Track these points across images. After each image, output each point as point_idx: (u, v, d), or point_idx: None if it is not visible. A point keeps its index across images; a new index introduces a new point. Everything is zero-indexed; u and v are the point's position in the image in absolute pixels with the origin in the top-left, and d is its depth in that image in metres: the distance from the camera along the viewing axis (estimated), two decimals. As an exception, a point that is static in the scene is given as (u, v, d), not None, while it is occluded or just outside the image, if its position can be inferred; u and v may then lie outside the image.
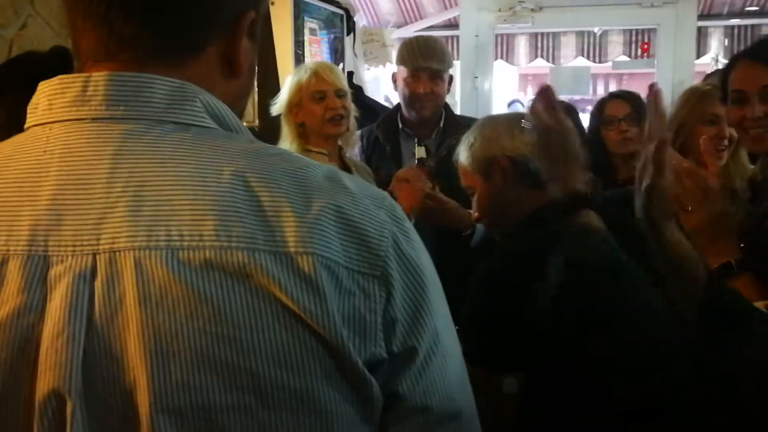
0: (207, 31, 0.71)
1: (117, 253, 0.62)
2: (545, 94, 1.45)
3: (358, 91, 3.76)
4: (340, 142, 2.39)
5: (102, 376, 0.61)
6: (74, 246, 0.63)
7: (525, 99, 9.08)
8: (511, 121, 1.69)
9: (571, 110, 2.99)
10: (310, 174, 0.68)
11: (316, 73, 2.31)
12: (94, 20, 0.69)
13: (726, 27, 5.63)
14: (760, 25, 5.66)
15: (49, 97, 0.69)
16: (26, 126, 0.71)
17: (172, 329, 0.60)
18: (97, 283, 0.62)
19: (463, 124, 2.71)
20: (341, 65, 3.44)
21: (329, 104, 2.28)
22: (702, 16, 5.20)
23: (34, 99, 0.71)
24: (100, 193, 0.64)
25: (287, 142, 2.30)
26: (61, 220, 0.63)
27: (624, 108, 2.77)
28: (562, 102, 3.11)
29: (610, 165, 2.75)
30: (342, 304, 0.64)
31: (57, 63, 1.41)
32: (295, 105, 2.29)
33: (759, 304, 1.20)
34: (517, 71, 9.91)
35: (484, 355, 1.54)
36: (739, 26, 5.68)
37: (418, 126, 2.71)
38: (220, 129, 0.70)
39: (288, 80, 2.33)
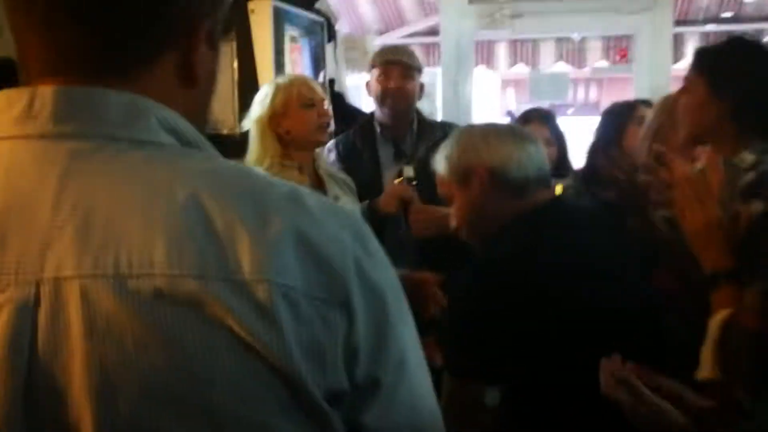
0: (161, 41, 0.67)
1: (62, 282, 0.58)
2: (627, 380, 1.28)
3: (339, 98, 3.78)
4: (314, 154, 2.39)
5: (44, 413, 0.57)
6: (17, 273, 0.59)
7: (512, 106, 9.16)
8: (488, 130, 1.71)
9: (548, 117, 3.02)
10: (268, 193, 0.65)
11: (304, 83, 2.32)
12: (39, 31, 0.65)
13: (702, 33, 5.71)
14: (734, 32, 5.73)
15: None
16: None
17: (119, 362, 0.57)
18: (41, 314, 0.58)
19: (436, 127, 2.77)
20: (323, 72, 3.45)
21: (320, 111, 2.29)
22: (678, 23, 5.27)
23: None
24: (45, 217, 0.60)
25: (259, 155, 2.27)
26: (4, 245, 0.59)
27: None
28: (539, 110, 3.15)
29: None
30: (300, 334, 0.60)
31: (1, 75, 1.36)
32: (280, 114, 2.27)
33: (721, 314, 1.23)
34: (498, 76, 9.95)
35: (465, 367, 1.55)
36: (715, 33, 5.77)
37: (393, 129, 2.75)
38: (178, 144, 0.67)
39: (265, 92, 2.31)
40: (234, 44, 2.85)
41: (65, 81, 0.65)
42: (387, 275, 0.68)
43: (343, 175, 2.51)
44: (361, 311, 0.63)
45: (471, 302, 1.54)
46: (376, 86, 2.73)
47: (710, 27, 5.73)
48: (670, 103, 2.43)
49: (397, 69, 2.69)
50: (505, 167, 1.63)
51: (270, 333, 0.59)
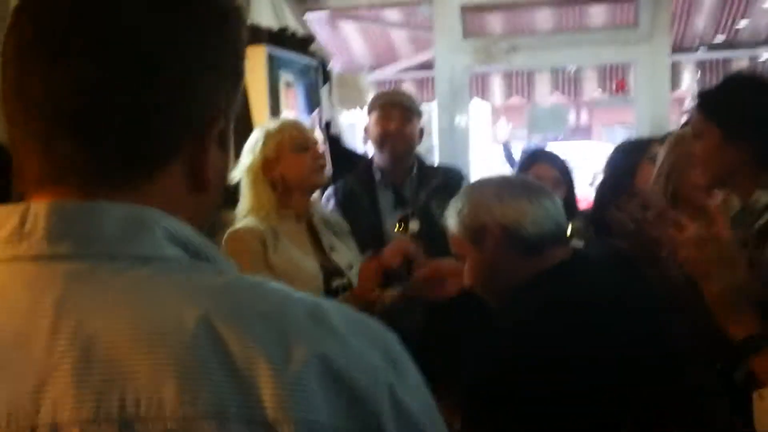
0: (169, 147, 0.62)
1: (60, 429, 0.52)
2: None
3: (336, 141, 3.71)
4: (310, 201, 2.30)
5: None
6: (8, 420, 0.52)
7: (505, 135, 9.12)
8: (502, 185, 1.62)
9: (555, 157, 2.92)
10: (289, 314, 0.58)
11: (295, 126, 2.24)
12: (36, 140, 0.60)
13: (697, 60, 5.70)
14: (731, 58, 5.73)
15: None
16: None
17: None
18: None
19: (438, 172, 2.70)
20: (319, 115, 3.38)
21: (314, 154, 2.21)
22: (674, 50, 5.24)
23: None
24: (40, 351, 0.54)
25: (253, 205, 2.19)
26: None
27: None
28: (545, 151, 3.08)
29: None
30: None
31: None
32: (273, 160, 2.18)
33: None
34: (490, 105, 9.96)
35: (486, 427, 1.47)
36: (710, 60, 5.75)
37: (393, 174, 2.68)
38: (186, 257, 0.61)
39: (255, 139, 2.22)
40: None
41: (62, 193, 0.60)
42: (422, 399, 0.61)
43: (338, 219, 2.42)
44: None
45: (491, 368, 1.46)
46: (375, 129, 2.67)
47: (706, 54, 5.72)
48: (680, 141, 2.36)
49: (396, 111, 2.64)
50: (519, 225, 1.55)
51: None
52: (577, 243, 2.51)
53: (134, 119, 0.59)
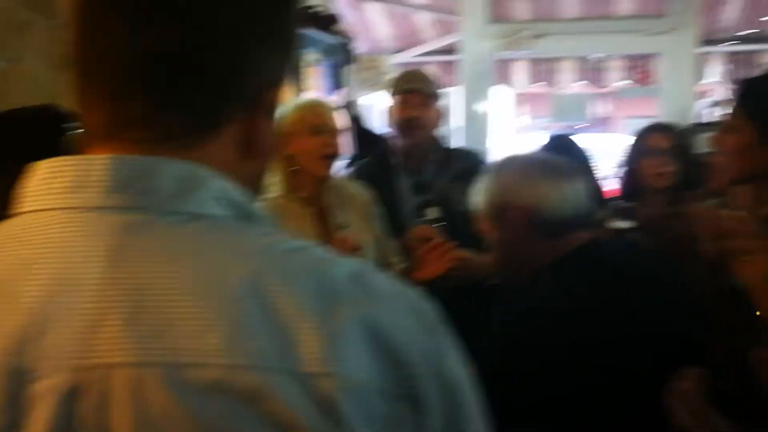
0: (225, 110, 0.64)
1: (108, 370, 0.54)
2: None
3: (358, 120, 3.71)
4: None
5: None
6: (59, 359, 0.54)
7: (528, 122, 9.05)
8: (528, 165, 1.63)
9: (569, 144, 2.93)
10: (333, 275, 0.59)
11: (313, 107, 2.22)
12: (103, 95, 0.62)
13: (725, 52, 5.61)
14: (759, 50, 5.64)
15: (43, 180, 0.62)
16: (16, 211, 0.63)
17: None
18: (86, 404, 0.54)
19: (458, 156, 2.69)
20: (342, 94, 3.38)
21: (326, 140, 2.17)
22: (701, 42, 5.18)
23: (27, 180, 0.63)
24: (92, 298, 0.56)
25: (271, 182, 2.20)
26: (47, 327, 0.55)
27: (664, 141, 2.66)
28: (561, 136, 3.06)
29: (644, 200, 2.66)
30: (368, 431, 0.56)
31: (47, 126, 1.29)
32: (287, 134, 2.17)
33: None
34: (514, 91, 9.89)
35: (498, 412, 1.47)
36: (738, 51, 5.66)
37: (412, 159, 2.68)
38: (234, 217, 0.63)
39: (278, 111, 2.22)
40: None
41: (121, 148, 0.62)
42: (460, 370, 0.63)
43: (364, 197, 2.39)
44: (433, 407, 0.59)
45: (508, 354, 1.46)
46: (395, 115, 2.67)
47: (733, 46, 5.63)
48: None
49: (417, 97, 2.62)
50: (541, 207, 1.55)
51: (335, 431, 0.54)
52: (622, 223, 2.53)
53: (201, 84, 0.62)
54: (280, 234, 0.64)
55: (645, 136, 2.70)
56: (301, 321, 0.55)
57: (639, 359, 1.40)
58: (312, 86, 3.06)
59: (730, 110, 1.70)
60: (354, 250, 2.15)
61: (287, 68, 0.69)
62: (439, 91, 2.72)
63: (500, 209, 1.60)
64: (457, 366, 0.62)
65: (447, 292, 2.30)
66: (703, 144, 2.75)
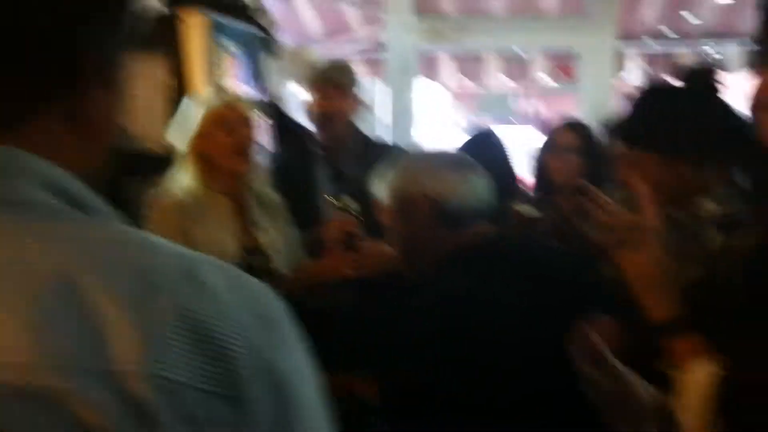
0: (46, 89, 0.59)
1: None
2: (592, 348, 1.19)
3: (279, 112, 3.66)
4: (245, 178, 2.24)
5: None
6: None
7: (462, 120, 9.10)
8: (432, 158, 1.63)
9: (491, 138, 2.95)
10: (159, 268, 0.55)
11: (223, 101, 2.13)
12: None
13: (643, 52, 5.78)
14: (675, 50, 5.83)
15: None
16: None
17: None
18: None
19: (377, 148, 2.67)
20: (262, 87, 3.32)
21: (237, 135, 2.10)
22: (620, 40, 5.31)
23: None
24: None
25: (183, 175, 2.14)
26: None
27: (572, 139, 2.65)
28: (486, 132, 3.08)
29: (555, 196, 2.68)
30: None
31: None
32: (197, 134, 2.11)
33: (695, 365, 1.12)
34: (448, 90, 9.93)
35: (408, 404, 1.47)
36: (657, 51, 5.84)
37: (331, 150, 2.66)
38: (58, 204, 0.58)
39: (188, 106, 2.16)
40: (163, 56, 2.70)
41: None
42: (296, 365, 0.59)
43: (274, 197, 2.36)
44: (259, 408, 0.55)
45: (408, 345, 1.46)
46: (312, 107, 2.64)
47: (652, 45, 5.80)
48: None
49: (334, 89, 2.60)
50: (446, 198, 1.55)
51: None
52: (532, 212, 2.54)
53: (10, 55, 0.57)
54: (116, 224, 0.60)
55: (554, 133, 2.73)
56: (115, 317, 0.51)
57: (537, 349, 1.41)
58: (230, 77, 2.99)
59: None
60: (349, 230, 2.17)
61: (123, 40, 0.63)
62: (358, 82, 2.70)
63: (403, 201, 1.59)
64: (294, 364, 0.59)
65: (363, 285, 2.32)
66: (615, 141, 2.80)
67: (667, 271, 1.26)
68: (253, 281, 0.61)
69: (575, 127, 2.72)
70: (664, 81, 1.70)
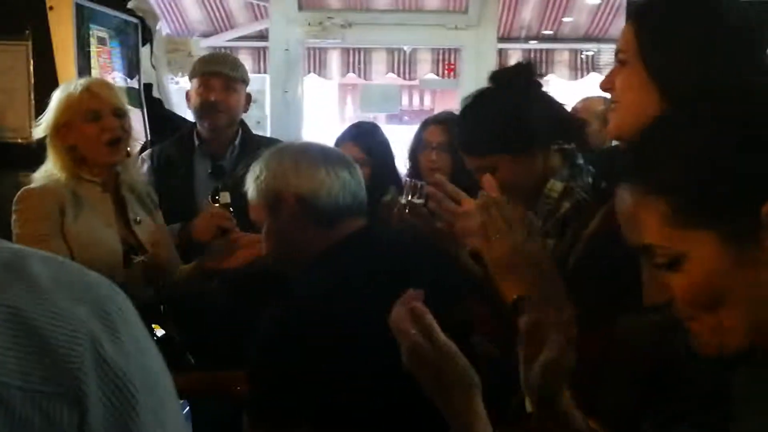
0: None
1: None
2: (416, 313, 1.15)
3: (157, 103, 3.55)
4: (118, 168, 2.16)
5: None
6: None
7: (350, 114, 9.10)
8: (300, 153, 1.60)
9: (376, 130, 2.96)
10: None
11: (89, 90, 2.04)
12: None
13: (524, 50, 5.98)
14: (553, 50, 6.07)
15: None
16: None
17: None
18: None
19: (261, 143, 2.64)
20: (137, 77, 3.21)
21: (105, 124, 2.02)
22: (502, 39, 5.47)
23: None
24: None
25: (55, 168, 2.05)
26: None
27: (439, 135, 2.66)
28: (361, 123, 3.08)
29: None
30: None
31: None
32: (63, 125, 2.01)
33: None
34: (335, 84, 9.93)
35: (271, 406, 1.45)
36: (536, 50, 6.06)
37: (213, 143, 2.61)
38: None
39: (54, 97, 2.07)
40: (30, 44, 2.57)
41: None
42: (137, 360, 0.57)
43: (148, 190, 2.30)
44: (96, 407, 0.53)
45: (272, 343, 1.43)
46: (195, 98, 2.57)
47: (532, 44, 6.01)
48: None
49: (218, 81, 2.55)
50: (314, 195, 1.53)
51: None
52: None
53: None
54: None
55: (423, 128, 2.73)
56: None
57: (388, 360, 1.41)
58: (102, 66, 2.87)
59: None
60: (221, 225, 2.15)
61: None
62: (243, 74, 2.65)
63: (273, 197, 1.56)
64: (134, 357, 0.57)
65: (236, 281, 2.29)
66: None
67: (523, 254, 1.31)
68: (88, 273, 0.59)
69: (443, 122, 2.71)
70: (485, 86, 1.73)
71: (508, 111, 1.64)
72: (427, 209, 1.66)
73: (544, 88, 1.77)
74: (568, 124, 1.74)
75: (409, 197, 1.90)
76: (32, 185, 2.02)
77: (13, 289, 0.52)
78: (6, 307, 0.51)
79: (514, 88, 1.67)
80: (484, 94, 1.70)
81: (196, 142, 2.62)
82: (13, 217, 1.99)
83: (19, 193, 2.01)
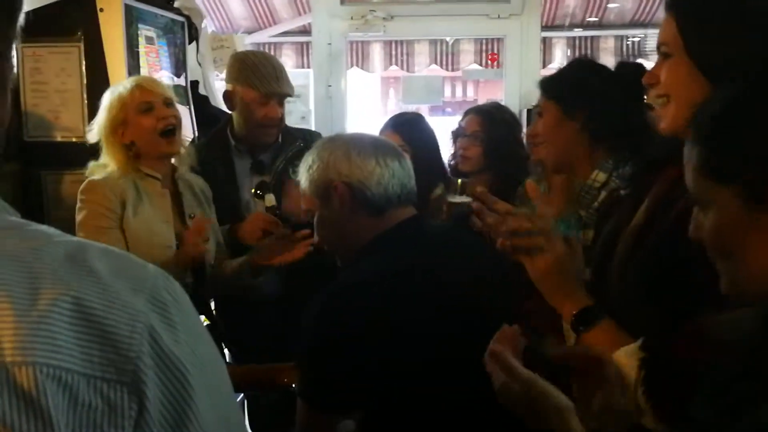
0: None
1: None
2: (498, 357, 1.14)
3: (204, 101, 3.59)
4: (174, 161, 2.22)
5: None
6: None
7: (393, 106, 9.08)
8: (351, 143, 1.62)
9: (419, 120, 2.97)
10: (45, 256, 0.55)
11: (139, 85, 2.12)
12: None
13: (568, 38, 5.90)
14: (598, 37, 5.97)
15: None
16: None
17: None
18: None
19: (297, 136, 2.65)
20: (183, 75, 3.26)
21: (159, 114, 2.09)
22: (546, 27, 5.40)
23: None
24: None
25: (113, 166, 2.10)
26: None
27: (475, 125, 2.69)
28: (405, 115, 3.08)
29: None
30: (78, 424, 0.51)
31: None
32: (120, 123, 2.08)
33: (619, 353, 1.14)
34: (378, 77, 9.93)
35: (318, 397, 1.47)
36: (580, 37, 5.97)
37: (251, 141, 2.60)
38: None
39: (105, 99, 2.14)
40: (81, 45, 2.62)
41: None
42: (192, 348, 0.59)
43: (203, 186, 2.36)
44: (154, 392, 0.55)
45: (324, 330, 1.45)
46: (253, 111, 2.51)
47: (577, 32, 5.93)
48: None
49: (278, 99, 2.53)
50: (365, 184, 1.56)
51: (35, 425, 0.50)
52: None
53: None
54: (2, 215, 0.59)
55: (464, 116, 2.78)
56: (2, 308, 0.51)
57: (455, 332, 1.42)
58: (150, 65, 2.92)
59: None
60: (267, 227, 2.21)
61: (8, 36, 0.62)
62: (285, 75, 2.63)
63: (324, 187, 1.59)
64: (188, 345, 0.59)
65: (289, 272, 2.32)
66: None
67: (569, 270, 1.29)
68: (146, 264, 0.61)
69: (477, 111, 2.76)
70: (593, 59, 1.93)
71: (587, 71, 1.90)
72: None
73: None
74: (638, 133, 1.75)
75: (456, 197, 1.93)
76: (96, 177, 2.09)
77: (75, 280, 0.55)
78: (70, 298, 0.53)
79: (616, 74, 1.83)
80: (592, 62, 1.95)
81: (233, 141, 2.61)
82: (78, 204, 2.07)
83: (84, 183, 2.09)
